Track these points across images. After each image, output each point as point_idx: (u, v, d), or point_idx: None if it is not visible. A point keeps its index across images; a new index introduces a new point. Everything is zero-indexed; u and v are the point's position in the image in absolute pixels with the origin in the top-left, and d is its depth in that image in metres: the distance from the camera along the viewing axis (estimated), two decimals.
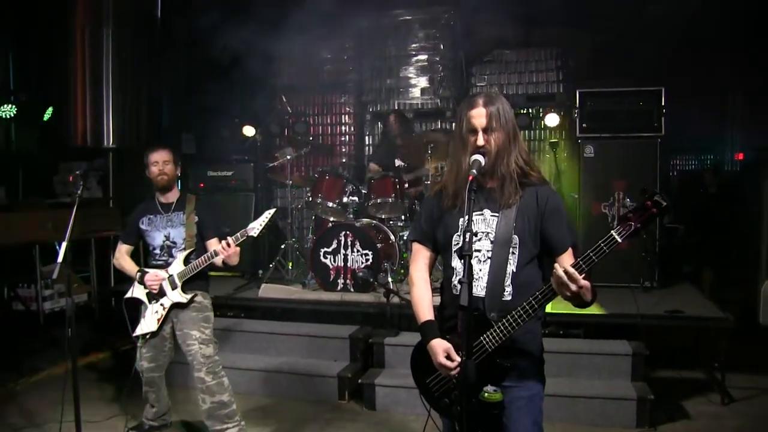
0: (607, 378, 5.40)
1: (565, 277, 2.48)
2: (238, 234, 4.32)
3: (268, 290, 6.81)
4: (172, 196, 4.76)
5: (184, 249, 4.63)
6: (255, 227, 4.31)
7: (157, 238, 4.71)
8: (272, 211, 4.41)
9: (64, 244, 3.94)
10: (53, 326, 7.16)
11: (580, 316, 5.67)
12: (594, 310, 5.68)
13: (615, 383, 5.33)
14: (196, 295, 4.62)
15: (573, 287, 2.48)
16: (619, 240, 2.48)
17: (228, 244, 4.31)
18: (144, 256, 5.03)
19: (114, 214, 8.27)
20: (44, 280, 7.24)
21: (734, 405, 5.46)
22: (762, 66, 8.37)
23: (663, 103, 6.85)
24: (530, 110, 8.70)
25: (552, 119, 7.98)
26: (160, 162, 4.64)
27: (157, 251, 4.72)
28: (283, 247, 7.50)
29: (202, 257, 4.50)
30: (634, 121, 6.94)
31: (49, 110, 7.97)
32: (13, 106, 7.63)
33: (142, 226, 4.74)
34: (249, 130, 8.41)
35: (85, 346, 7.01)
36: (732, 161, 11.20)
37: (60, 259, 3.93)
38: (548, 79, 8.63)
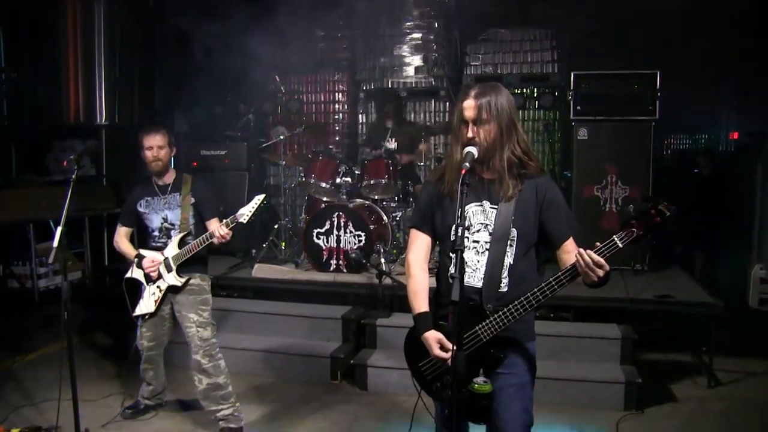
0: (596, 361, 5.47)
1: (591, 264, 2.55)
2: (229, 219, 4.33)
3: (261, 270, 6.84)
4: (168, 178, 4.73)
5: (180, 232, 4.64)
6: (245, 214, 4.29)
7: (155, 221, 4.70)
8: (261, 197, 4.36)
9: (59, 229, 3.95)
10: (48, 304, 7.18)
11: (570, 300, 5.74)
12: (584, 293, 5.76)
13: (604, 366, 5.41)
14: (191, 278, 4.64)
15: (600, 273, 2.56)
16: (621, 245, 2.57)
17: (224, 232, 4.32)
18: (140, 238, 4.98)
19: (107, 192, 8.27)
20: (39, 258, 7.26)
21: (720, 388, 5.56)
22: (757, 50, 8.37)
23: (658, 87, 6.85)
24: (524, 90, 8.68)
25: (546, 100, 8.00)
26: (154, 147, 4.59)
27: (156, 233, 4.71)
28: (276, 227, 7.52)
29: (198, 240, 4.50)
30: (628, 105, 6.93)
31: (41, 88, 7.92)
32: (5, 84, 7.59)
33: (140, 209, 4.73)
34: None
35: (79, 324, 7.06)
36: (727, 141, 11.25)
37: (55, 243, 3.94)
38: (543, 59, 8.57)
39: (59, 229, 3.94)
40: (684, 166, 9.62)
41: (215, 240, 4.37)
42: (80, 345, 6.56)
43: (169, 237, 4.67)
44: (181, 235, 4.62)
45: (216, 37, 8.05)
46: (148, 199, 4.72)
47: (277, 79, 9.01)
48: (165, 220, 4.68)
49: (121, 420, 4.95)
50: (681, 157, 10.77)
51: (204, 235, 4.46)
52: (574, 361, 5.50)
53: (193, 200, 4.67)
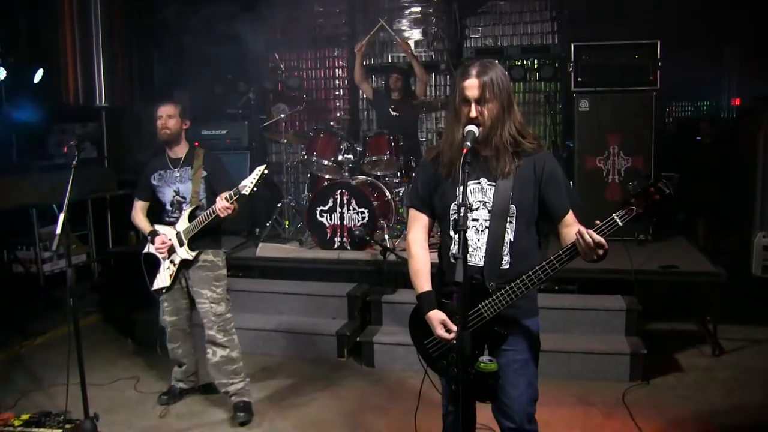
0: (601, 333, 5.50)
1: (592, 245, 2.53)
2: (232, 192, 4.26)
3: (266, 249, 6.85)
4: (180, 151, 4.73)
5: (190, 205, 4.65)
6: (246, 185, 4.22)
7: (167, 194, 4.73)
8: (262, 167, 4.30)
9: (61, 216, 3.94)
10: (54, 288, 7.22)
11: (574, 272, 5.74)
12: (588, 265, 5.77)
13: (609, 338, 5.43)
14: (201, 253, 4.65)
15: (600, 252, 2.55)
16: (620, 224, 2.56)
17: (226, 205, 4.25)
18: (155, 213, 4.94)
19: (109, 174, 8.29)
20: (43, 243, 7.28)
21: (725, 357, 5.58)
22: (759, 13, 8.28)
23: (659, 57, 6.80)
24: (525, 62, 8.62)
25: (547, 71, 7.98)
26: (163, 116, 4.61)
27: (169, 207, 4.75)
28: (279, 205, 7.52)
29: (205, 213, 4.47)
30: (629, 75, 6.88)
31: (40, 72, 7.86)
32: (2, 69, 7.54)
33: (154, 182, 4.76)
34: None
35: (85, 307, 7.12)
36: (729, 107, 11.16)
37: (58, 230, 3.94)
38: (543, 30, 8.53)
39: (62, 215, 3.93)
40: (686, 134, 9.56)
41: (219, 212, 4.30)
42: (87, 329, 6.59)
43: (182, 211, 4.68)
44: (191, 208, 4.64)
45: (214, 14, 7.98)
46: (161, 172, 4.75)
47: (277, 57, 8.96)
48: (177, 193, 4.70)
49: (159, 407, 4.97)
50: (683, 125, 10.69)
51: (210, 209, 4.43)
52: (579, 334, 5.53)
53: (204, 173, 4.67)
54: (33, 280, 7.31)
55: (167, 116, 4.62)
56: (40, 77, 7.88)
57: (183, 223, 4.64)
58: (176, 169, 4.71)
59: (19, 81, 7.78)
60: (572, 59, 7.04)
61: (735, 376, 5.21)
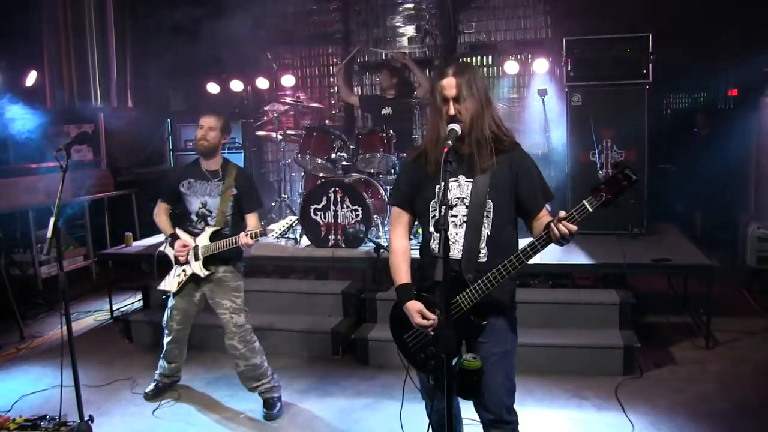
0: (595, 327, 5.50)
1: (567, 234, 2.60)
2: (258, 231, 4.37)
3: (260, 248, 6.86)
4: (214, 164, 4.74)
5: (215, 224, 4.67)
6: (274, 230, 4.38)
7: (194, 204, 4.73)
8: (294, 218, 4.46)
9: (52, 220, 3.96)
10: (51, 290, 7.26)
11: (568, 267, 5.76)
12: (582, 259, 5.80)
13: (603, 332, 5.44)
14: (213, 273, 4.68)
15: (570, 238, 2.63)
16: (590, 210, 2.62)
17: (249, 242, 4.38)
18: (178, 218, 4.96)
19: (106, 175, 8.32)
20: (40, 245, 7.30)
21: (718, 348, 5.59)
22: (755, 4, 8.26)
23: (650, 50, 6.80)
24: (519, 56, 8.62)
25: (540, 66, 7.97)
26: (204, 127, 4.62)
27: (194, 217, 4.75)
28: (273, 204, 7.54)
29: (226, 240, 4.53)
30: (621, 69, 6.91)
31: (33, 74, 7.88)
32: None
33: (182, 189, 4.76)
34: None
35: (82, 309, 7.16)
36: (725, 98, 11.13)
37: (49, 235, 3.95)
38: (536, 24, 8.54)
39: (52, 220, 3.95)
40: (683, 125, 9.56)
41: (241, 245, 4.44)
42: (84, 331, 6.64)
43: (207, 223, 4.70)
44: (216, 228, 4.65)
45: (209, 13, 8.00)
46: (191, 180, 4.74)
47: (269, 56, 8.97)
48: (204, 205, 4.70)
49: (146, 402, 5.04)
50: (680, 117, 10.68)
51: (231, 238, 4.50)
52: (573, 328, 5.53)
53: (234, 191, 4.68)
54: (30, 282, 7.34)
55: (208, 128, 4.63)
56: (34, 80, 7.90)
57: (204, 239, 4.65)
58: (207, 182, 4.70)
59: (13, 83, 7.80)
60: (564, 53, 7.04)
61: (728, 368, 5.22)
